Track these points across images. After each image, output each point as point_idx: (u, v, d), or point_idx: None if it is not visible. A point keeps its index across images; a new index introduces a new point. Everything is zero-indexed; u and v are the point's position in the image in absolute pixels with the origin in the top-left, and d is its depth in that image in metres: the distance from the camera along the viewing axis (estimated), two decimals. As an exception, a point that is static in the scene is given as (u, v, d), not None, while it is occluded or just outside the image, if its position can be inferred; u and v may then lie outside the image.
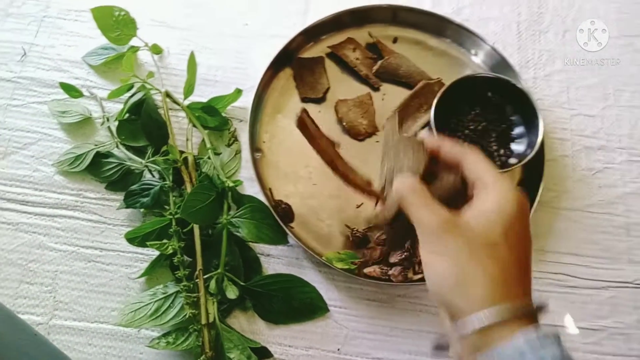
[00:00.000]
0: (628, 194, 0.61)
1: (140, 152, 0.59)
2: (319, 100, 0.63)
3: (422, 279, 0.54)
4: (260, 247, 0.57)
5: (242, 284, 0.53)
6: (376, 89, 0.64)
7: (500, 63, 0.64)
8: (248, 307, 0.54)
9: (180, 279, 0.51)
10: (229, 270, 0.53)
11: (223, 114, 0.61)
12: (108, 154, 0.59)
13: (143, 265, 0.56)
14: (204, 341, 0.48)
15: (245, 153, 0.60)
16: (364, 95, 0.62)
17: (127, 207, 0.56)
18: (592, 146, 0.63)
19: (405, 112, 0.61)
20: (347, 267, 0.54)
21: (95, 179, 0.59)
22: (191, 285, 0.51)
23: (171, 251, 0.51)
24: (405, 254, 0.54)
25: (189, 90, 0.60)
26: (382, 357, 0.53)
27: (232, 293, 0.51)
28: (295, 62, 0.64)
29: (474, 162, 0.38)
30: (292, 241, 0.56)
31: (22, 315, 0.54)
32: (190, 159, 0.57)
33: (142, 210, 0.57)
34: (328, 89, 0.63)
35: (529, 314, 0.33)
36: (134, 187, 0.56)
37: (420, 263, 0.55)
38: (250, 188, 0.59)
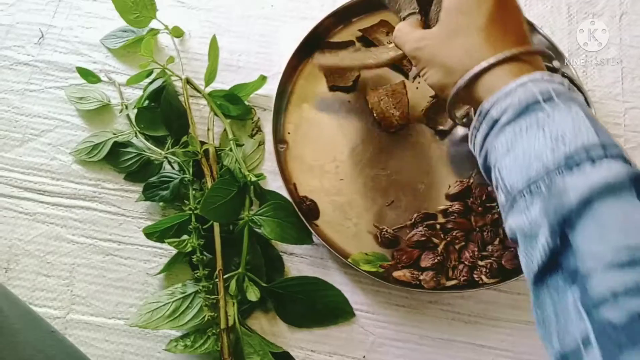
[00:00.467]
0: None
1: (159, 142, 0.57)
2: (349, 89, 0.59)
3: (456, 286, 0.50)
4: (283, 245, 0.54)
5: (263, 285, 0.50)
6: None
7: (548, 49, 0.58)
8: (270, 308, 0.51)
9: (200, 278, 0.48)
10: (250, 269, 0.50)
11: (246, 102, 0.58)
12: (127, 144, 0.56)
13: (162, 261, 0.53)
14: (222, 346, 0.46)
15: (269, 145, 0.57)
16: (397, 84, 0.57)
17: (145, 200, 0.54)
18: (648, 143, 0.58)
19: None
20: (374, 270, 0.51)
21: (114, 169, 0.57)
22: (210, 286, 0.48)
23: (190, 249, 0.49)
24: (438, 258, 0.50)
25: (210, 77, 0.57)
26: (410, 367, 0.50)
27: (252, 295, 0.48)
28: (323, 46, 0.60)
29: None
30: (317, 240, 0.53)
31: (39, 308, 0.53)
32: (211, 150, 0.54)
33: (160, 204, 0.55)
34: (358, 76, 0.59)
35: (533, 62, 0.35)
36: (153, 179, 0.54)
37: (454, 268, 0.51)
38: (274, 182, 0.56)
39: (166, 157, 0.55)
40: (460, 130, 0.56)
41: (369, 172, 0.56)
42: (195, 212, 0.50)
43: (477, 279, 0.50)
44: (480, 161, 0.36)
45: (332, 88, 0.59)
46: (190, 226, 0.50)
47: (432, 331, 0.51)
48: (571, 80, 0.51)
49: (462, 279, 0.50)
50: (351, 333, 0.51)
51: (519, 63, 0.34)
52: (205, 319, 0.47)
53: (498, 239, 0.51)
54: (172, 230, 0.51)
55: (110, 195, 0.56)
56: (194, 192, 0.53)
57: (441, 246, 0.51)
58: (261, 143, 0.57)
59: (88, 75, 0.58)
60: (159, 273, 0.52)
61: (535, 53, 0.36)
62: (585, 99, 0.51)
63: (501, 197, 0.33)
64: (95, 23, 0.63)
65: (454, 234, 0.51)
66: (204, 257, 0.50)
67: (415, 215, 0.53)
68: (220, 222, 0.51)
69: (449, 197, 0.54)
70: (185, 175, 0.53)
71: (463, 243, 0.51)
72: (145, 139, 0.56)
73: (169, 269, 0.52)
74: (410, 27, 0.42)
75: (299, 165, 0.56)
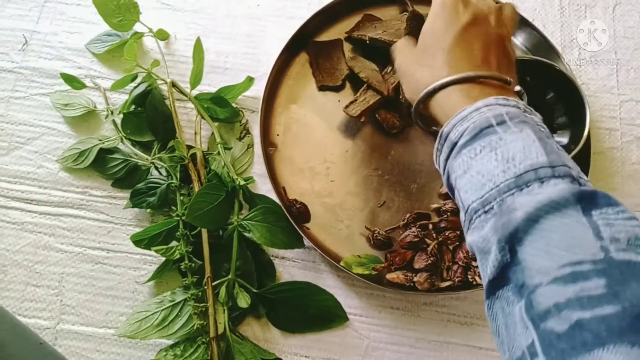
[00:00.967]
0: (685, 191, 0.54)
1: (146, 147, 0.56)
2: (338, 89, 0.58)
3: (451, 287, 0.49)
4: (274, 250, 0.53)
5: (254, 291, 0.49)
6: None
7: (540, 43, 0.57)
8: (262, 314, 0.51)
9: (188, 286, 0.48)
10: (240, 275, 0.49)
11: (233, 105, 0.57)
12: (113, 150, 0.55)
13: (152, 268, 0.52)
14: (212, 355, 0.45)
15: (258, 147, 0.56)
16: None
17: (133, 207, 0.53)
18: (644, 136, 0.56)
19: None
20: (367, 272, 0.50)
21: (101, 175, 0.56)
22: (199, 294, 0.47)
23: (178, 256, 0.48)
24: (431, 259, 0.50)
25: (196, 79, 0.56)
26: (406, 370, 0.49)
27: (243, 301, 0.47)
28: (310, 46, 0.59)
29: None
30: (308, 243, 0.52)
31: (29, 319, 0.52)
32: (198, 155, 0.53)
33: (148, 210, 0.54)
34: (347, 75, 0.58)
35: (492, 83, 0.37)
36: (140, 185, 0.53)
37: (448, 269, 0.50)
38: (263, 185, 0.55)
39: (153, 163, 0.54)
40: None
41: (361, 172, 0.55)
42: (183, 218, 0.49)
43: (471, 280, 0.49)
44: (444, 180, 0.38)
45: (322, 88, 0.58)
46: (178, 233, 0.49)
47: (428, 333, 0.50)
48: (564, 76, 0.50)
49: (456, 279, 0.49)
50: (345, 337, 0.50)
51: (477, 85, 0.37)
52: (195, 327, 0.46)
53: (492, 238, 0.50)
54: (160, 237, 0.50)
55: (98, 203, 0.55)
56: (181, 197, 0.52)
57: (432, 246, 0.50)
58: (250, 146, 0.56)
59: (73, 81, 0.57)
60: (148, 281, 0.51)
61: (491, 78, 0.37)
62: (580, 93, 0.50)
63: (462, 215, 0.34)
64: (79, 28, 0.62)
65: (447, 234, 0.50)
66: (193, 264, 0.49)
67: (407, 215, 0.52)
68: (209, 228, 0.50)
69: (442, 196, 0.53)
70: (172, 181, 0.52)
71: (457, 243, 0.51)
72: (132, 145, 0.55)
73: (158, 277, 0.51)
74: (405, 42, 0.46)
75: (289, 167, 0.55)
